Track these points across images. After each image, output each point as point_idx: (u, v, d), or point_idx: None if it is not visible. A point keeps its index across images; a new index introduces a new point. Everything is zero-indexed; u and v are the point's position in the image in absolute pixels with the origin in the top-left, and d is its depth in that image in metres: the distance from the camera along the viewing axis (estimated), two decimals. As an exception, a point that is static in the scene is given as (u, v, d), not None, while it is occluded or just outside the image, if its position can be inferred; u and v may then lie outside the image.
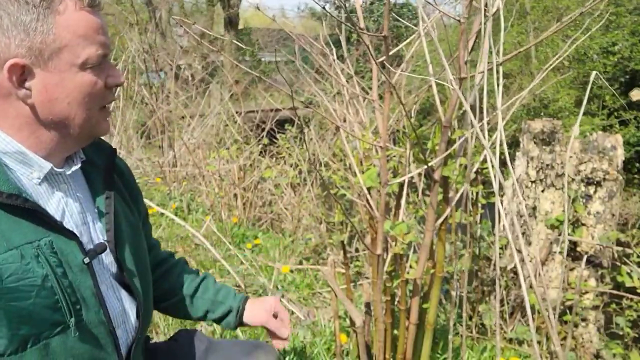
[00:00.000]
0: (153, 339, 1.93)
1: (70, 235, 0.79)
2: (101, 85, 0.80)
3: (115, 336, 0.87)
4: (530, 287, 2.60)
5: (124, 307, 0.91)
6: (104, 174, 0.91)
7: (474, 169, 1.40)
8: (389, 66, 1.17)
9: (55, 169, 0.80)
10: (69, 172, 0.83)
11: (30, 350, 0.74)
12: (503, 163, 1.00)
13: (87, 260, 0.80)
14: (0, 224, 0.72)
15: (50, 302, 0.75)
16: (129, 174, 1.03)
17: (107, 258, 0.89)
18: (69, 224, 0.82)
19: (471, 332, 2.39)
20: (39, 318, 0.75)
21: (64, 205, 0.82)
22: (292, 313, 2.44)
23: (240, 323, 1.20)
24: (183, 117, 5.39)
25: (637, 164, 8.76)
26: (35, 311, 0.74)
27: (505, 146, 0.92)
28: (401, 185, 1.62)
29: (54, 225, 0.77)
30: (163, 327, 2.23)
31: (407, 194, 1.62)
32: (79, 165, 0.86)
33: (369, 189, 1.52)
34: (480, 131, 0.94)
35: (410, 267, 1.60)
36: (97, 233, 0.88)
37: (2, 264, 0.71)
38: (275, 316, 1.21)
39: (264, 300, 1.22)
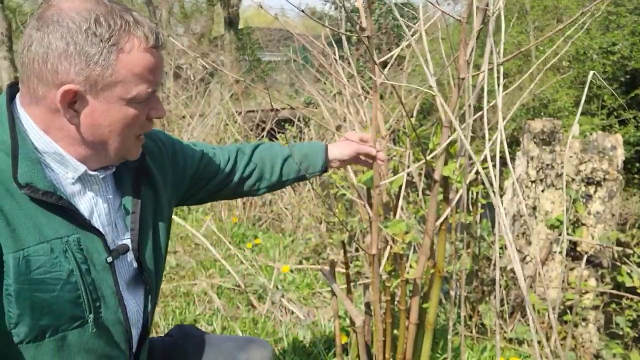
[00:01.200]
0: (151, 335, 1.93)
1: (97, 233, 0.83)
2: (143, 118, 0.85)
3: (130, 335, 0.90)
4: (531, 287, 2.60)
5: (139, 307, 0.94)
6: (134, 175, 0.94)
7: (474, 169, 1.40)
8: (380, 67, 1.17)
9: (89, 171, 0.84)
10: (102, 176, 0.87)
11: (47, 340, 0.78)
12: (503, 163, 1.00)
13: (110, 259, 0.84)
14: (35, 217, 0.76)
15: (72, 297, 0.78)
16: (159, 153, 1.04)
17: (129, 257, 0.92)
18: (96, 223, 0.86)
19: (471, 332, 2.39)
20: (60, 311, 0.78)
21: (93, 204, 0.86)
22: (292, 313, 2.44)
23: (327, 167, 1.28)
24: (183, 117, 5.38)
25: (637, 164, 8.76)
26: (57, 304, 0.77)
27: (505, 145, 0.92)
28: (400, 184, 1.61)
29: (82, 223, 0.81)
30: (163, 327, 2.23)
31: (408, 194, 1.62)
32: (113, 170, 0.90)
33: (368, 189, 1.52)
34: (482, 131, 0.94)
35: (410, 266, 1.60)
36: (120, 233, 0.91)
37: (33, 255, 0.75)
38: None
39: (343, 139, 1.29)
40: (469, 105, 1.21)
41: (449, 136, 1.28)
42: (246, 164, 1.21)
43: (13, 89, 0.83)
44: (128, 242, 0.91)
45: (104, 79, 0.77)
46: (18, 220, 0.75)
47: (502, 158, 0.99)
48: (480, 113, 1.08)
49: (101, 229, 0.85)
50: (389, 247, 1.57)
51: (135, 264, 0.93)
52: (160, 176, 1.01)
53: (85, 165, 0.83)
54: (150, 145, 1.01)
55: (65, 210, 0.79)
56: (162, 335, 1.95)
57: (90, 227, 0.82)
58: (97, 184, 0.87)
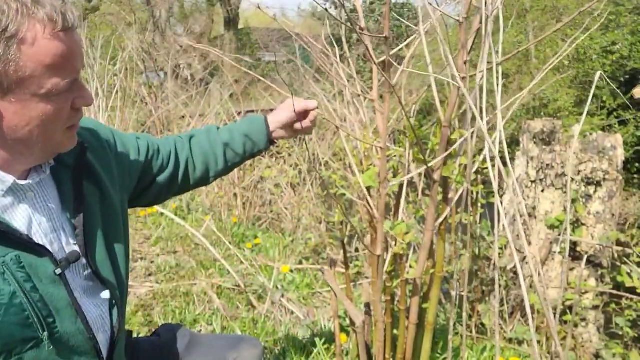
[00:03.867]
0: (140, 333, 1.93)
1: (37, 247, 0.76)
2: (67, 109, 0.75)
3: (96, 341, 0.85)
4: (531, 286, 2.60)
5: (102, 311, 0.89)
6: (73, 173, 0.86)
7: (474, 169, 1.40)
8: (390, 66, 1.17)
9: (18, 182, 0.75)
10: (34, 182, 0.79)
11: None
12: (503, 163, 1.00)
13: (58, 271, 0.77)
14: None
15: (20, 319, 0.72)
16: (101, 148, 0.96)
17: (81, 262, 0.85)
18: (37, 235, 0.78)
19: (471, 332, 2.39)
20: (9, 335, 0.72)
21: (30, 214, 0.78)
22: (292, 313, 2.44)
23: (272, 140, 1.22)
24: (183, 117, 5.38)
25: (637, 164, 8.76)
26: (4, 328, 0.71)
27: (505, 146, 0.92)
28: (401, 185, 1.62)
29: (19, 240, 0.73)
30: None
31: (407, 194, 1.62)
32: (47, 172, 0.82)
33: (368, 188, 1.52)
34: (482, 130, 0.94)
35: (410, 267, 1.60)
36: (68, 238, 0.84)
37: None
38: (302, 116, 1.20)
39: (285, 104, 1.21)
40: (469, 106, 1.21)
41: (448, 136, 1.28)
42: (189, 155, 1.14)
43: None
44: (76, 247, 0.84)
45: (7, 77, 0.67)
46: None
47: (502, 158, 0.99)
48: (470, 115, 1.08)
49: (44, 240, 0.78)
50: (389, 247, 1.57)
51: (88, 268, 0.86)
52: (104, 172, 0.93)
53: (12, 173, 0.75)
54: (89, 138, 0.92)
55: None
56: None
57: (29, 241, 0.74)
58: (31, 191, 0.79)
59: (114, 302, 0.90)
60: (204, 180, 1.19)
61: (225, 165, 1.19)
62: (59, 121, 0.75)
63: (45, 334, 0.75)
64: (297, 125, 1.20)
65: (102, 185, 0.91)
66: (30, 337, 0.74)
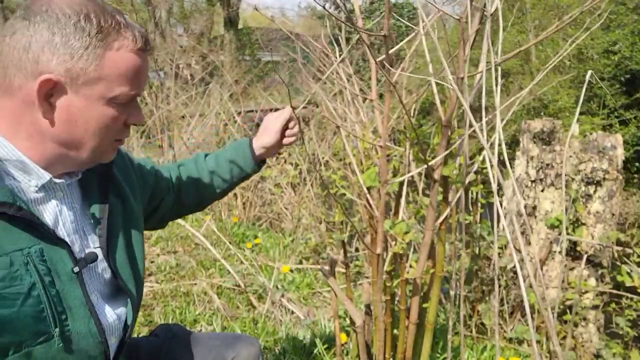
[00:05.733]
0: (140, 333, 1.93)
1: (60, 243, 0.78)
2: (121, 121, 0.82)
3: (106, 345, 0.86)
4: (530, 286, 2.60)
5: (118, 315, 0.90)
6: (100, 182, 0.90)
7: (474, 169, 1.40)
8: (388, 66, 1.17)
9: (54, 179, 0.80)
10: (67, 183, 0.83)
11: (11, 357, 0.73)
12: (503, 163, 1.00)
13: (76, 269, 0.79)
14: (8, 229, 0.72)
15: (35, 311, 0.74)
16: (125, 166, 1.02)
17: (100, 266, 0.88)
18: (61, 232, 0.81)
19: (471, 332, 2.39)
20: (22, 326, 0.73)
21: (57, 213, 0.82)
22: (292, 313, 2.44)
23: (260, 161, 1.26)
24: (183, 117, 5.39)
25: (637, 164, 8.76)
26: (19, 319, 0.72)
27: (503, 146, 0.92)
28: (401, 184, 1.62)
29: (45, 233, 0.76)
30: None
31: (408, 194, 1.62)
32: (79, 177, 0.87)
33: (368, 188, 1.52)
34: (480, 131, 0.94)
35: (410, 266, 1.60)
36: (89, 242, 0.87)
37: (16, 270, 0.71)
38: (284, 128, 1.24)
39: (265, 125, 1.24)
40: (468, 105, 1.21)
41: (449, 136, 1.28)
42: (181, 183, 1.20)
43: None
44: (98, 250, 0.87)
45: (86, 73, 0.74)
46: None
47: (502, 159, 0.99)
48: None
49: (66, 238, 0.81)
50: (389, 246, 1.57)
51: (108, 272, 0.89)
52: (127, 187, 0.98)
53: (50, 172, 0.79)
54: (116, 157, 0.98)
55: (26, 220, 0.74)
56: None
57: (54, 236, 0.78)
58: (61, 191, 0.83)
59: (130, 307, 0.92)
60: (198, 206, 1.25)
61: (214, 192, 1.23)
62: (112, 129, 0.81)
63: (57, 330, 0.76)
64: (285, 141, 1.24)
65: (125, 196, 0.96)
66: (42, 331, 0.75)
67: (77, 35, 0.73)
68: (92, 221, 0.88)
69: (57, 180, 0.80)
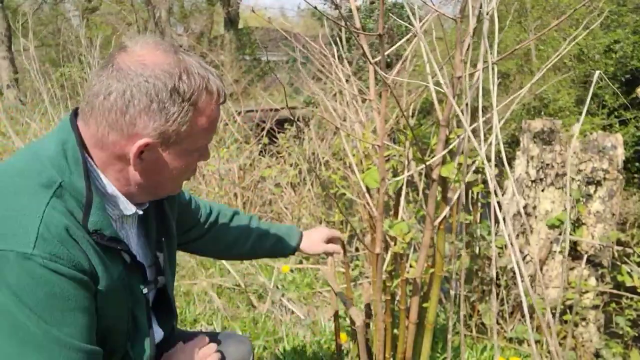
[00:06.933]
0: None
1: (139, 266, 0.87)
2: (196, 164, 0.89)
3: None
4: (531, 286, 2.60)
5: (162, 334, 1.00)
6: (155, 209, 0.97)
7: (473, 169, 1.40)
8: (386, 65, 1.17)
9: (138, 211, 0.88)
10: (140, 213, 0.89)
11: None
12: (501, 163, 1.00)
13: (145, 290, 0.88)
14: (105, 260, 0.79)
15: (121, 328, 0.84)
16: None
17: (152, 292, 0.97)
18: (138, 256, 0.89)
19: (471, 332, 2.39)
20: (116, 339, 0.84)
21: (130, 238, 0.90)
22: (292, 312, 2.44)
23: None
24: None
25: (637, 164, 8.75)
26: (116, 334, 0.83)
27: (501, 145, 0.92)
28: (401, 184, 1.61)
29: (131, 258, 0.85)
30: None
31: (407, 193, 1.62)
32: (147, 206, 0.93)
33: (368, 188, 1.52)
34: (474, 132, 0.94)
35: (410, 266, 1.60)
36: (148, 267, 0.95)
37: (105, 292, 0.78)
38: (329, 241, 1.38)
39: (318, 230, 1.39)
40: (466, 104, 1.21)
41: (447, 135, 1.28)
42: (225, 226, 1.25)
43: (74, 123, 0.81)
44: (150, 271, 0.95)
45: (178, 134, 0.79)
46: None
47: (500, 158, 0.99)
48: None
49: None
50: (389, 246, 1.57)
51: (155, 294, 0.97)
52: (171, 212, 1.05)
53: (132, 203, 0.86)
54: None
55: (121, 251, 0.82)
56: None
57: (136, 261, 0.86)
58: (131, 218, 0.90)
59: (171, 326, 1.02)
60: (224, 254, 1.33)
61: (246, 251, 1.30)
62: (189, 173, 0.89)
63: (129, 344, 0.87)
64: (325, 249, 1.38)
65: (170, 224, 1.02)
66: (121, 347, 0.85)
67: (172, 101, 0.77)
68: (145, 244, 0.96)
69: (139, 211, 0.88)
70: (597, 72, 1.12)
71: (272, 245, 1.30)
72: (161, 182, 0.86)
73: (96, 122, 0.77)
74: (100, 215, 0.78)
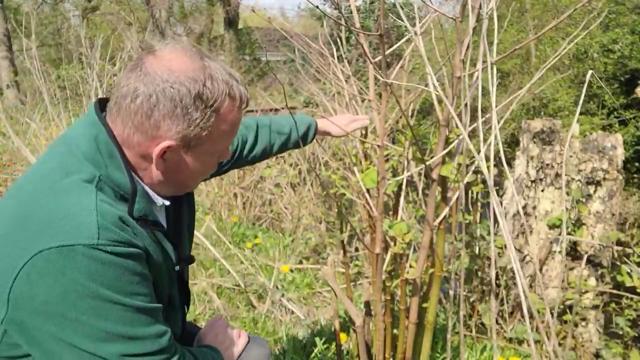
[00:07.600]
0: None
1: (172, 244, 0.93)
2: (216, 163, 0.93)
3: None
4: (531, 286, 2.60)
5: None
6: (174, 202, 1.01)
7: (473, 169, 1.40)
8: (386, 65, 1.17)
9: (165, 203, 0.93)
10: (167, 203, 0.94)
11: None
12: (500, 163, 1.00)
13: (177, 268, 0.95)
14: (150, 242, 0.84)
15: (163, 305, 0.88)
16: None
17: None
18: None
19: (471, 332, 2.39)
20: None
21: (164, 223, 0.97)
22: (292, 312, 2.44)
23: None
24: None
25: (637, 164, 8.75)
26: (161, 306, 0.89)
27: (500, 145, 0.92)
28: (400, 184, 1.62)
29: (168, 240, 0.91)
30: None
31: (407, 193, 1.62)
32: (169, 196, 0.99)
33: (368, 188, 1.52)
34: (474, 132, 0.94)
35: (410, 266, 1.60)
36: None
37: (155, 271, 0.84)
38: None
39: (344, 116, 1.52)
40: (465, 104, 1.21)
41: (447, 135, 1.28)
42: (254, 142, 1.36)
43: (102, 119, 0.86)
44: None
45: (199, 138, 0.83)
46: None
47: (499, 158, 0.99)
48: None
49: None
50: (389, 246, 1.57)
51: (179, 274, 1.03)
52: (188, 203, 1.10)
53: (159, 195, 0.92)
54: None
55: (161, 233, 0.89)
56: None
57: (171, 242, 0.92)
58: (158, 207, 0.95)
59: (185, 312, 1.07)
60: (250, 160, 1.42)
61: (270, 153, 1.43)
62: (210, 171, 0.94)
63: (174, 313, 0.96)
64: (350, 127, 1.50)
65: (189, 213, 1.07)
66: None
67: (195, 107, 0.80)
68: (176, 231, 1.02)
69: (166, 203, 0.93)
70: (590, 71, 1.12)
71: (294, 138, 1.43)
72: (182, 180, 0.91)
73: (123, 122, 0.82)
74: (144, 203, 0.84)
